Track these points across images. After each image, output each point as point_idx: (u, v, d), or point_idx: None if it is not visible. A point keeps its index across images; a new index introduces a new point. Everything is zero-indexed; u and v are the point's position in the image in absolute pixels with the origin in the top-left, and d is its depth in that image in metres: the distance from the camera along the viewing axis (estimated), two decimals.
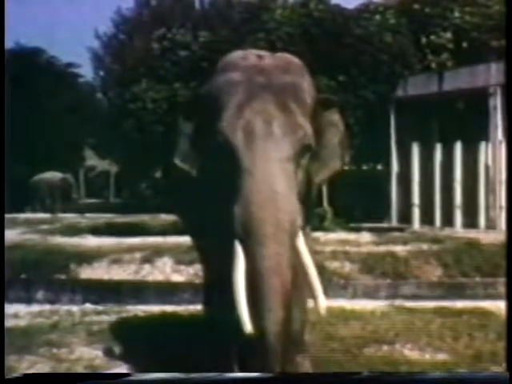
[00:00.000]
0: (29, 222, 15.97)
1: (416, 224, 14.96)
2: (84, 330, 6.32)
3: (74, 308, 7.62)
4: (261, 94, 3.67)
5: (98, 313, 7.31)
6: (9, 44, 23.63)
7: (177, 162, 3.94)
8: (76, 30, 57.40)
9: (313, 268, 3.66)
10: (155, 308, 7.47)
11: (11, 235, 10.69)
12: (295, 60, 3.94)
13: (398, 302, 7.68)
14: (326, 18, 18.03)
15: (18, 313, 7.19)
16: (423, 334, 5.99)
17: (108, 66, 24.45)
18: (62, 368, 5.11)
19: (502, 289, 7.31)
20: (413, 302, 7.72)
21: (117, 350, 5.52)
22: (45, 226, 14.71)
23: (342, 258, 8.56)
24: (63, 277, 9.08)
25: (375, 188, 16.32)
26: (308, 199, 3.89)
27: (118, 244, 10.39)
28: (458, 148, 14.54)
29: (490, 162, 14.19)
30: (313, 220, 4.69)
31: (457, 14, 17.62)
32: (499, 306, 6.24)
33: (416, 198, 15.20)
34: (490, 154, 14.21)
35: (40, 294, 8.49)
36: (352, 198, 16.18)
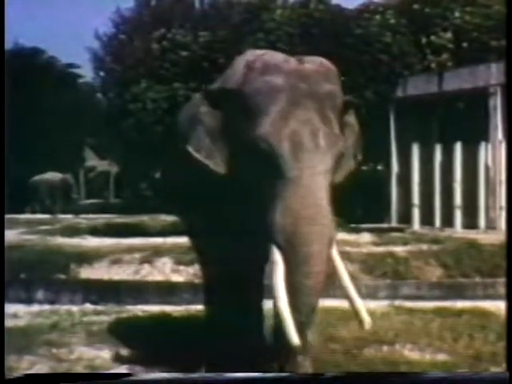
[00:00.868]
0: (29, 223, 15.96)
1: (416, 224, 14.95)
2: (84, 330, 6.32)
3: (74, 308, 7.61)
4: (304, 102, 3.63)
5: (98, 313, 7.30)
6: (9, 44, 23.66)
7: (197, 154, 3.82)
8: (76, 30, 57.45)
9: (349, 280, 3.75)
10: (155, 308, 7.47)
11: (11, 235, 10.69)
12: (330, 65, 3.89)
13: (398, 303, 7.67)
14: (325, 18, 18.04)
15: (18, 313, 7.18)
16: (423, 334, 5.99)
17: (108, 66, 24.37)
18: (62, 368, 5.11)
19: (501, 289, 7.31)
20: (413, 302, 7.71)
21: (117, 350, 5.51)
22: (45, 227, 14.71)
23: (342, 259, 8.55)
24: (63, 277, 9.08)
25: (375, 188, 16.32)
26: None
27: (117, 244, 10.39)
28: (458, 148, 14.53)
29: (489, 163, 14.18)
30: None
31: (457, 14, 17.62)
32: (499, 306, 6.23)
33: (416, 199, 15.19)
34: (490, 154, 14.21)
35: (40, 294, 8.49)
36: (352, 199, 16.17)
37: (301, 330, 3.48)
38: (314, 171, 3.56)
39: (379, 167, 18.44)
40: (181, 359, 4.70)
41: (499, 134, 14.00)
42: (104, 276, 9.03)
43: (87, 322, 6.72)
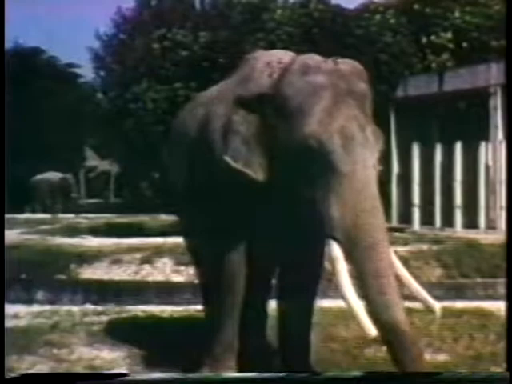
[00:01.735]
0: (29, 223, 15.96)
1: (416, 224, 14.94)
2: (84, 330, 6.32)
3: (74, 308, 7.61)
4: (346, 100, 3.66)
5: (98, 313, 7.30)
6: (9, 44, 23.68)
7: (235, 164, 3.80)
8: (76, 30, 57.45)
9: (406, 271, 3.76)
10: (155, 308, 7.47)
11: (11, 235, 10.69)
12: (362, 67, 3.93)
13: None
14: (326, 18, 18.06)
15: (18, 313, 7.18)
16: (423, 334, 5.99)
17: (108, 66, 24.41)
18: (62, 368, 5.11)
19: (502, 289, 7.30)
20: (413, 302, 7.70)
21: (117, 350, 5.52)
22: (45, 227, 14.70)
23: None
24: (63, 277, 9.08)
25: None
26: None
27: (117, 244, 10.39)
28: (459, 148, 14.53)
29: (490, 162, 14.18)
30: None
31: (457, 15, 17.64)
32: (499, 306, 6.23)
33: (416, 199, 15.19)
34: (491, 154, 14.21)
35: (40, 295, 8.48)
36: None
37: (392, 314, 3.46)
38: (367, 164, 3.62)
39: (379, 167, 18.43)
40: (181, 359, 4.70)
41: (499, 133, 14.00)
42: (104, 276, 9.03)
43: (87, 323, 6.72)
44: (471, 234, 11.99)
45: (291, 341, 4.42)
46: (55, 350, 5.58)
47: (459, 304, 7.46)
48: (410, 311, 7.12)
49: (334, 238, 3.55)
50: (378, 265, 3.49)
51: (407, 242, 10.43)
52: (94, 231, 13.74)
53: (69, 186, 22.80)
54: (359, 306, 3.44)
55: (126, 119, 20.26)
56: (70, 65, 29.82)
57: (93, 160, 35.60)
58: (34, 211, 22.27)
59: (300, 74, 3.77)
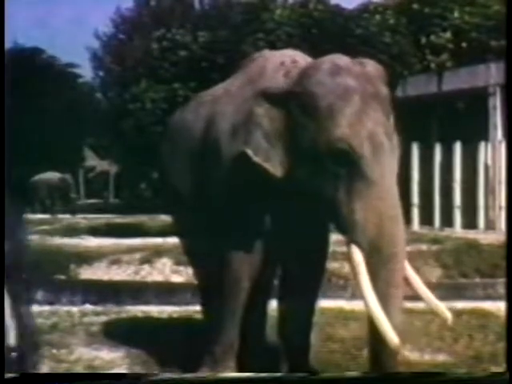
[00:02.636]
0: (28, 223, 15.93)
1: (415, 224, 14.95)
2: (83, 330, 6.31)
3: (74, 309, 7.60)
4: (373, 104, 3.64)
5: (98, 313, 7.29)
6: (9, 44, 23.66)
7: (255, 158, 3.75)
8: (76, 29, 57.45)
9: (418, 278, 3.77)
10: (155, 309, 7.46)
11: None
12: (383, 69, 3.91)
13: None
14: (325, 18, 18.06)
15: None
16: (423, 334, 5.99)
17: (107, 66, 24.43)
18: (62, 368, 5.10)
19: (501, 289, 7.30)
20: (412, 302, 7.70)
21: (116, 350, 5.52)
22: (44, 227, 14.69)
23: (341, 259, 8.55)
24: (63, 277, 9.07)
25: None
26: None
27: (117, 245, 10.39)
28: (458, 148, 14.53)
29: (489, 162, 14.19)
30: None
31: (456, 15, 17.64)
32: (499, 306, 6.23)
33: (415, 198, 15.19)
34: (490, 154, 14.22)
35: (39, 295, 8.47)
36: None
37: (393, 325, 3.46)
38: (393, 171, 3.62)
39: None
40: (180, 359, 4.69)
41: (499, 133, 14.01)
42: (104, 276, 9.03)
43: (87, 323, 6.72)
44: (470, 234, 12.00)
45: (292, 341, 4.42)
46: (54, 351, 5.57)
47: (459, 304, 7.46)
48: (409, 311, 7.16)
49: (357, 243, 3.55)
50: (393, 274, 3.53)
51: (406, 242, 10.41)
52: (94, 231, 13.74)
53: (68, 186, 22.80)
54: (381, 313, 3.43)
55: (125, 119, 20.25)
56: (70, 65, 29.81)
57: (92, 160, 35.59)
58: (33, 211, 22.27)
59: (330, 75, 3.70)
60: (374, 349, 3.62)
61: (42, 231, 13.42)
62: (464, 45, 17.42)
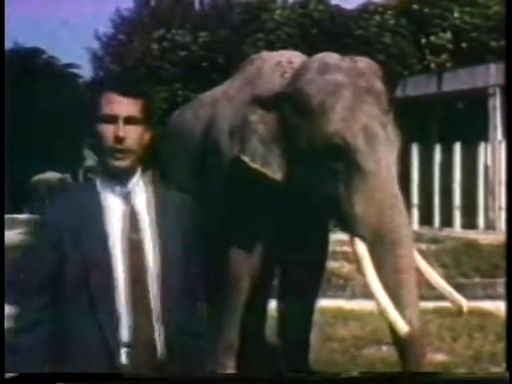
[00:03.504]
0: (28, 222, 15.92)
1: (415, 224, 14.94)
2: None
3: None
4: (366, 98, 3.65)
5: None
6: (9, 44, 23.67)
7: (253, 164, 3.76)
8: (76, 29, 57.47)
9: (429, 268, 3.72)
10: None
11: (11, 235, 10.67)
12: (377, 65, 3.92)
13: None
14: (325, 18, 18.06)
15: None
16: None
17: (108, 66, 24.42)
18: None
19: (501, 289, 7.31)
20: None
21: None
22: None
23: (341, 258, 8.56)
24: None
25: None
26: None
27: None
28: (458, 148, 14.54)
29: (489, 163, 14.20)
30: None
31: (456, 15, 17.64)
32: (498, 306, 6.24)
33: (415, 199, 15.19)
34: (490, 154, 14.23)
35: None
36: None
37: (411, 312, 3.38)
38: (390, 162, 3.61)
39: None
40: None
41: (498, 134, 14.02)
42: None
43: None
44: (470, 234, 12.01)
45: (292, 341, 4.42)
46: None
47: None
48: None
49: (359, 236, 3.53)
50: (399, 260, 3.45)
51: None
52: None
53: (67, 187, 22.82)
54: (389, 304, 3.37)
55: None
56: (70, 65, 29.82)
57: (92, 160, 35.58)
58: (32, 211, 22.28)
59: (320, 73, 3.72)
60: (398, 348, 3.48)
61: None
62: (464, 45, 17.42)
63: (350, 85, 3.66)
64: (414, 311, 3.39)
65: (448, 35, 17.45)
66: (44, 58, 28.57)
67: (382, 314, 3.41)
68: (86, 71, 38.85)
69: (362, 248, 3.51)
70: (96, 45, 25.56)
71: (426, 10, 17.78)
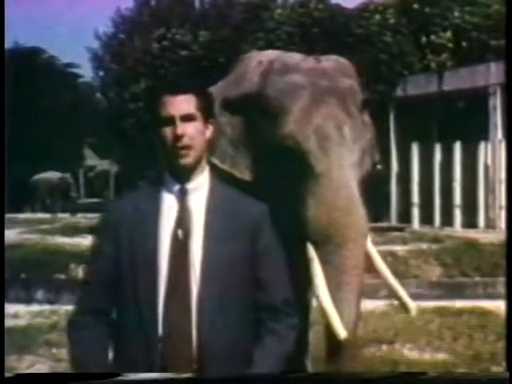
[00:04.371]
0: (28, 222, 15.95)
1: (415, 224, 14.96)
2: None
3: None
4: (326, 98, 3.61)
5: None
6: (9, 44, 23.66)
7: (222, 166, 3.77)
8: (76, 29, 57.49)
9: (387, 269, 3.72)
10: None
11: (11, 235, 10.68)
12: (348, 63, 3.87)
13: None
14: (325, 17, 18.05)
15: (18, 313, 7.17)
16: (423, 333, 5.99)
17: (107, 65, 24.39)
18: (61, 368, 5.10)
19: (501, 288, 7.30)
20: (412, 301, 7.70)
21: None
22: (44, 226, 14.69)
23: None
24: (63, 277, 9.07)
25: (375, 188, 16.31)
26: None
27: None
28: (458, 148, 14.54)
29: (489, 162, 14.20)
30: None
31: (457, 14, 17.63)
32: (499, 305, 6.23)
33: (416, 198, 15.20)
34: (490, 153, 14.22)
35: (40, 294, 8.48)
36: None
37: (347, 312, 3.40)
38: (343, 163, 3.55)
39: (379, 166, 18.44)
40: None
41: (499, 133, 14.01)
42: None
43: None
44: (470, 233, 12.01)
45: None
46: (54, 350, 5.57)
47: (458, 303, 7.47)
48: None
49: (310, 238, 3.52)
50: (342, 262, 3.45)
51: (407, 241, 10.44)
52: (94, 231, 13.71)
53: (68, 186, 22.82)
54: (331, 308, 3.39)
55: (125, 119, 20.25)
56: (70, 65, 29.84)
57: (92, 160, 35.59)
58: (33, 211, 22.28)
59: (280, 74, 3.73)
60: (329, 344, 3.54)
61: (42, 230, 13.42)
62: (464, 44, 17.41)
63: (309, 85, 3.63)
64: (351, 313, 3.43)
65: (448, 34, 17.44)
66: (44, 57, 28.57)
67: (322, 314, 3.42)
68: (86, 71, 38.86)
69: (311, 250, 3.50)
70: (96, 44, 25.51)
71: (426, 9, 17.77)
